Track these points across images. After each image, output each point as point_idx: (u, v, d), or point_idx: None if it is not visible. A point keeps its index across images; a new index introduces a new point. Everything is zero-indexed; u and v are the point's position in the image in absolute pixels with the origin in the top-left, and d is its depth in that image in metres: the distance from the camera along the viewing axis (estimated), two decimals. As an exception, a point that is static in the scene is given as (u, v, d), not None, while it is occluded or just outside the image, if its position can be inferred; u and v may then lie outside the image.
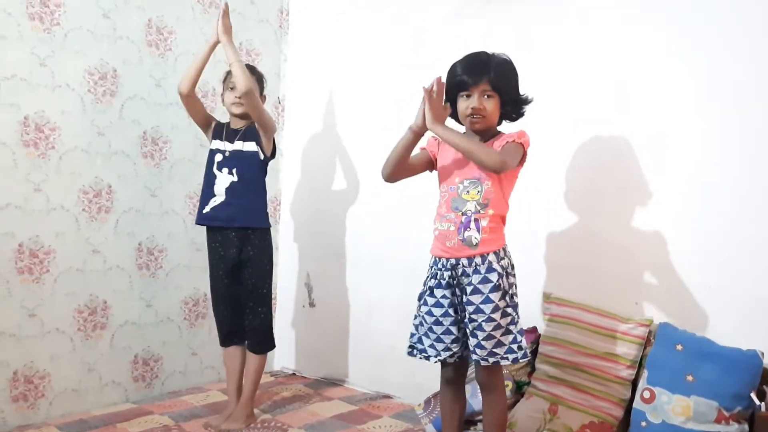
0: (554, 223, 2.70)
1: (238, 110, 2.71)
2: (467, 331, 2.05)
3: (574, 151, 2.64)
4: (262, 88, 2.78)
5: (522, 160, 2.06)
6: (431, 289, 2.11)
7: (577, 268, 2.65)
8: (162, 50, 3.10)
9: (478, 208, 2.02)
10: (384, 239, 3.26)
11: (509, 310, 2.02)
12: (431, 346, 2.12)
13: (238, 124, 2.76)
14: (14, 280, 2.65)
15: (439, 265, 2.10)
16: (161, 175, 3.12)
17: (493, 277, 2.00)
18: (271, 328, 2.81)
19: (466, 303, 2.03)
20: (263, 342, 2.78)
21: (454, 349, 2.10)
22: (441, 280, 2.08)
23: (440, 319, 2.09)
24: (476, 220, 2.02)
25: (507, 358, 2.01)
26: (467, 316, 2.03)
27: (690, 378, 2.19)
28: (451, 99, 2.07)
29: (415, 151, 2.15)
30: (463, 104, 2.04)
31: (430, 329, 2.12)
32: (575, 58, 2.65)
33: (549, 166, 2.67)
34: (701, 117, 2.37)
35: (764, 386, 2.14)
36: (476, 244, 2.02)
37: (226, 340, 2.79)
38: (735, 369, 2.15)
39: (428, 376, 2.86)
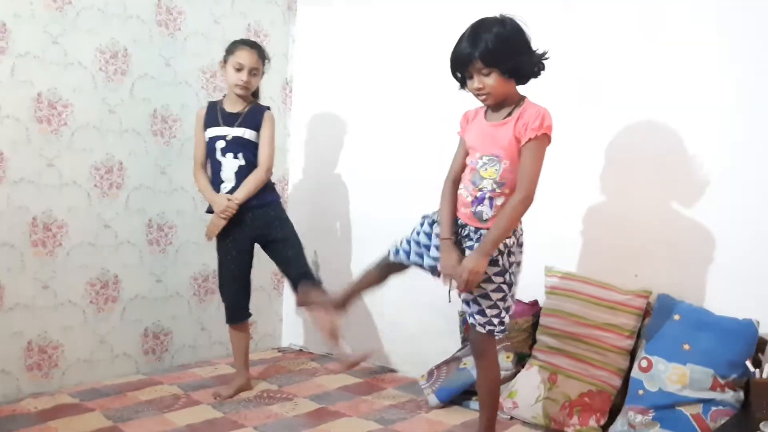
0: (555, 197, 2.72)
1: (241, 92, 2.73)
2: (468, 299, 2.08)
3: (575, 126, 2.67)
4: (264, 67, 2.79)
5: (547, 142, 2.01)
6: (435, 222, 2.15)
7: (578, 241, 2.68)
8: (171, 30, 3.15)
9: (494, 186, 2.01)
10: (390, 217, 3.29)
11: (504, 287, 2.04)
12: (403, 245, 2.20)
13: (236, 107, 2.76)
14: (28, 252, 2.73)
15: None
16: (171, 152, 3.18)
17: (519, 239, 2.06)
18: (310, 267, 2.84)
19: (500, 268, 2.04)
20: (313, 280, 2.76)
21: (420, 263, 2.16)
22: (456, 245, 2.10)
23: (428, 244, 2.14)
24: (491, 198, 2.02)
25: (483, 327, 2.05)
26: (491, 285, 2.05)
27: (687, 347, 2.23)
28: (461, 76, 2.04)
29: (457, 147, 2.18)
30: (469, 84, 2.02)
31: (417, 243, 2.18)
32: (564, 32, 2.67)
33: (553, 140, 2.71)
34: (704, 94, 2.39)
35: (759, 354, 2.17)
36: (486, 220, 2.03)
37: (234, 317, 2.84)
38: (731, 338, 2.18)
39: (435, 352, 2.92)
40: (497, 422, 2.23)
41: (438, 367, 2.76)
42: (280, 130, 3.40)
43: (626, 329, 2.40)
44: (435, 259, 2.11)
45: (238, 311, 2.84)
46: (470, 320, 2.10)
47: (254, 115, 2.76)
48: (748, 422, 1.95)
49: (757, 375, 2.09)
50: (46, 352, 2.79)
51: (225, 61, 2.75)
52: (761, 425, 1.80)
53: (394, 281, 3.18)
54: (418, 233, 2.18)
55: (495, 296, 2.04)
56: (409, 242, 2.20)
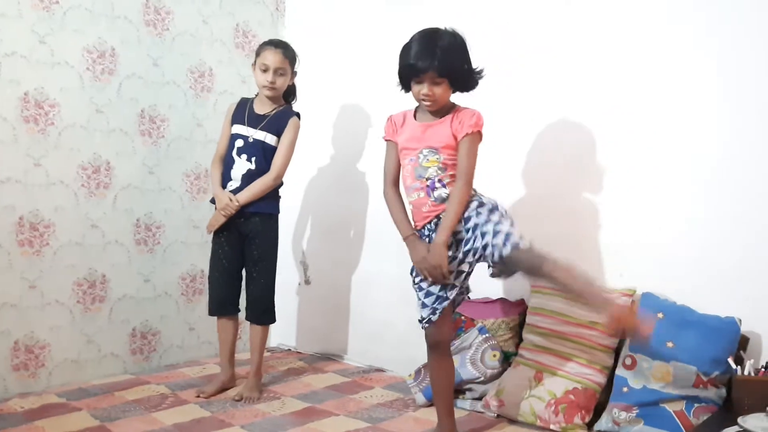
0: (540, 198, 2.75)
1: (268, 93, 2.74)
2: (480, 240, 2.08)
3: (559, 126, 2.69)
4: (293, 67, 2.80)
5: (480, 139, 2.17)
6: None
7: (564, 241, 2.68)
8: (159, 30, 3.15)
9: (439, 171, 2.15)
10: (378, 217, 3.30)
11: (505, 214, 2.13)
12: (428, 308, 2.22)
13: (264, 108, 2.78)
14: (15, 252, 2.72)
15: (425, 233, 2.19)
16: (159, 152, 3.18)
17: (473, 203, 2.13)
18: (272, 301, 2.86)
19: (467, 232, 2.11)
20: (262, 313, 2.83)
21: (446, 294, 2.19)
22: (420, 238, 2.19)
23: (421, 284, 2.22)
24: (440, 180, 2.15)
25: (523, 239, 2.06)
26: (470, 239, 2.10)
27: (670, 344, 2.25)
28: (406, 79, 2.17)
29: (387, 153, 2.30)
30: (416, 88, 2.15)
31: (419, 287, 2.24)
32: (558, 34, 2.70)
33: (535, 140, 2.73)
34: (686, 94, 2.42)
35: (741, 351, 2.19)
36: (447, 197, 2.14)
37: (218, 309, 2.85)
38: (713, 335, 2.21)
39: (423, 350, 2.93)
40: (483, 420, 2.24)
41: (425, 365, 2.77)
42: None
43: (611, 327, 2.42)
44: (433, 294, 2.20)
45: (222, 304, 2.84)
46: (496, 253, 2.05)
47: (279, 119, 2.76)
48: (731, 419, 1.97)
49: (739, 372, 2.12)
50: (33, 352, 2.79)
51: (255, 63, 2.76)
52: (738, 419, 1.82)
53: (385, 279, 3.22)
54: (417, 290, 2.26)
55: (506, 221, 2.10)
56: (422, 303, 2.25)
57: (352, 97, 3.41)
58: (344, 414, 2.57)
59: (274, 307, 2.88)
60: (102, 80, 2.96)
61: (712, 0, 2.36)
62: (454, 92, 2.19)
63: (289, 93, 2.89)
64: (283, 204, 3.78)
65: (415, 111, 2.25)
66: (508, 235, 2.05)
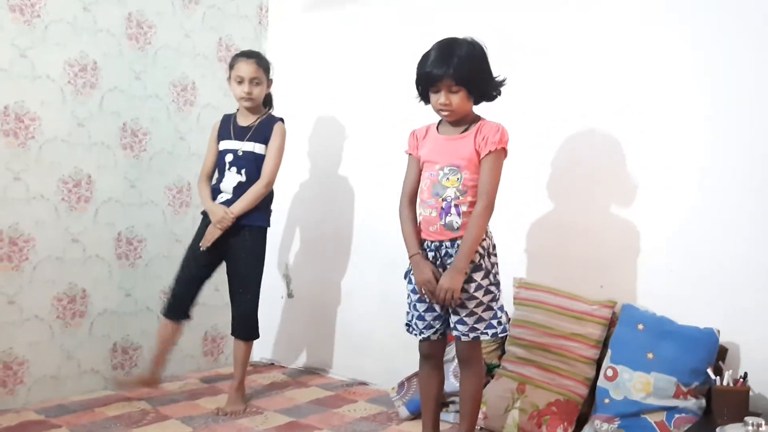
0: (523, 211, 2.77)
1: (247, 104, 2.76)
2: (449, 308, 2.13)
3: (542, 141, 2.72)
4: (268, 75, 2.83)
5: (505, 156, 2.14)
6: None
7: (546, 254, 2.73)
8: (142, 44, 3.15)
9: (458, 194, 2.09)
10: (362, 231, 3.33)
11: (492, 288, 2.12)
12: (414, 323, 2.22)
13: (247, 120, 2.80)
14: (-6, 267, 2.70)
15: (425, 246, 2.17)
16: (141, 166, 3.17)
17: (476, 257, 2.09)
18: (256, 317, 2.86)
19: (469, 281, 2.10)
20: (246, 329, 2.83)
21: (436, 326, 2.20)
22: (426, 258, 2.16)
23: (417, 304, 2.21)
24: (456, 206, 2.09)
25: (487, 333, 2.11)
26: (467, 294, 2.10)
27: (650, 356, 2.28)
28: (424, 89, 2.14)
29: (408, 167, 2.25)
30: (434, 98, 2.10)
31: (414, 306, 2.22)
32: (553, 47, 2.73)
33: (517, 155, 2.76)
34: (666, 107, 2.46)
35: (720, 362, 2.22)
36: (458, 228, 2.09)
37: (171, 310, 2.83)
38: (693, 346, 2.23)
39: (406, 364, 2.93)
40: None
41: (408, 379, 2.78)
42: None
43: (592, 339, 2.44)
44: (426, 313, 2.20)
45: (175, 308, 2.83)
46: (454, 333, 2.13)
47: (264, 127, 2.78)
48: (711, 429, 1.99)
49: (718, 382, 2.15)
50: (12, 369, 2.75)
51: (229, 76, 2.78)
52: (717, 429, 1.84)
53: (368, 293, 3.22)
54: (409, 298, 2.24)
55: (487, 299, 2.10)
56: (410, 314, 2.25)
57: (335, 110, 3.43)
58: (328, 428, 2.56)
59: (257, 322, 2.87)
60: (84, 94, 2.95)
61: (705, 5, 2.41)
62: (475, 103, 2.14)
63: (266, 102, 2.90)
64: (266, 217, 3.78)
65: (438, 124, 2.21)
66: (479, 321, 2.09)
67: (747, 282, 2.28)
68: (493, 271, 2.14)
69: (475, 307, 2.09)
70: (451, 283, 2.04)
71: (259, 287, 2.87)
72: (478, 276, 2.09)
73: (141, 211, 3.18)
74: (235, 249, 2.77)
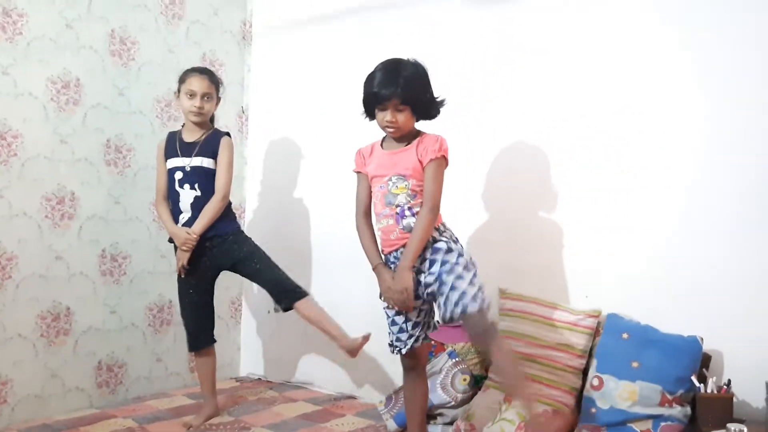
0: (507, 223, 2.79)
1: (195, 118, 2.74)
2: (435, 296, 2.15)
3: (524, 153, 2.75)
4: (218, 92, 2.81)
5: (445, 164, 2.20)
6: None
7: (531, 266, 2.74)
8: (125, 60, 3.15)
9: (408, 198, 2.17)
10: (347, 243, 3.29)
11: (470, 265, 2.15)
12: (398, 339, 2.25)
13: (193, 135, 2.76)
14: (-24, 285, 2.67)
15: (391, 259, 2.22)
16: (125, 182, 3.16)
17: (442, 245, 2.15)
18: (289, 279, 2.77)
19: (426, 276, 2.15)
20: (293, 292, 2.74)
21: (416, 333, 2.24)
22: (388, 267, 2.21)
23: (387, 312, 2.26)
24: (410, 208, 2.17)
25: (475, 303, 2.07)
26: (432, 284, 2.13)
27: (635, 364, 2.29)
28: (370, 107, 2.22)
29: (358, 184, 2.34)
30: (380, 115, 2.19)
31: (393, 322, 2.25)
32: (526, 59, 2.77)
33: (500, 167, 2.79)
34: (652, 120, 2.49)
35: (704, 369, 2.24)
36: None
37: (194, 343, 2.82)
38: (677, 354, 2.25)
39: (394, 377, 2.94)
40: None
41: (396, 392, 2.77)
42: (237, 158, 3.39)
43: (578, 349, 2.46)
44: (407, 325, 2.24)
45: (198, 338, 2.82)
46: (446, 315, 2.10)
47: (211, 142, 2.76)
48: (696, 436, 2.01)
49: (702, 390, 2.16)
50: (-5, 388, 2.73)
51: (178, 90, 2.76)
52: (701, 437, 1.86)
53: (355, 306, 3.22)
54: (387, 317, 2.28)
55: (467, 275, 2.11)
56: (391, 334, 2.28)
57: (321, 124, 3.44)
58: (315, 443, 2.56)
59: (292, 281, 2.77)
60: (67, 110, 2.94)
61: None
62: (417, 120, 2.23)
63: (211, 119, 2.86)
64: (251, 231, 3.78)
65: (382, 141, 2.30)
66: (462, 295, 2.08)
67: (729, 290, 2.31)
68: (465, 255, 2.17)
69: (455, 280, 2.09)
70: (400, 283, 2.10)
71: (272, 260, 2.79)
72: (451, 257, 2.12)
73: (125, 228, 3.16)
74: (223, 254, 2.74)
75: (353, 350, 2.65)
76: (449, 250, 2.14)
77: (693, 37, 2.40)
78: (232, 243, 2.77)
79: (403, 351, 2.25)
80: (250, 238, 2.85)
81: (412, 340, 2.24)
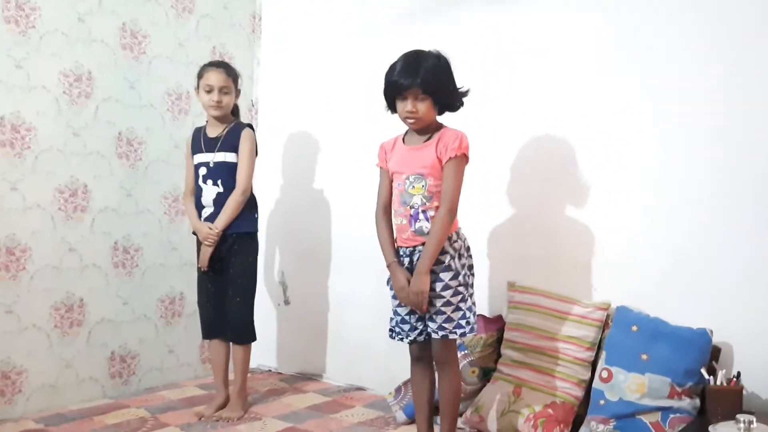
0: (516, 216, 2.80)
1: (215, 113, 2.76)
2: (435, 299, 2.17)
3: (533, 145, 2.75)
4: (237, 85, 2.82)
5: (465, 161, 2.19)
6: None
7: (540, 257, 2.75)
8: (136, 53, 3.17)
9: (424, 200, 2.16)
10: (357, 238, 3.33)
11: (461, 288, 2.16)
12: (399, 328, 2.27)
13: (215, 130, 2.79)
14: (-9, 277, 2.71)
15: (401, 253, 2.24)
16: (136, 175, 3.18)
17: (445, 258, 2.15)
18: (251, 321, 2.86)
19: (436, 281, 2.15)
20: (242, 333, 2.83)
21: (420, 327, 2.24)
22: (402, 266, 2.21)
23: (398, 309, 2.27)
24: (424, 212, 2.17)
25: (455, 333, 2.16)
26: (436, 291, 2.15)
27: (644, 357, 2.30)
28: (390, 98, 2.21)
29: (380, 179, 2.33)
30: (400, 106, 2.17)
31: (396, 311, 2.26)
32: (529, 55, 2.76)
33: (508, 159, 2.79)
34: (652, 112, 2.49)
35: (714, 362, 2.24)
36: (428, 232, 2.15)
37: (208, 332, 2.86)
38: (686, 347, 2.25)
39: (403, 369, 2.94)
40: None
41: (405, 383, 2.79)
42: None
43: (587, 341, 2.46)
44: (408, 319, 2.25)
45: (212, 327, 2.85)
46: (435, 332, 2.17)
47: (232, 136, 2.78)
48: (705, 428, 2.01)
49: (712, 382, 2.16)
50: (10, 378, 2.76)
51: (198, 86, 2.78)
52: (709, 428, 1.86)
53: (363, 299, 3.24)
54: (392, 304, 2.29)
55: (455, 299, 2.15)
56: (393, 320, 2.30)
57: (331, 116, 3.45)
58: (325, 433, 2.58)
59: (252, 326, 2.87)
60: (79, 104, 2.96)
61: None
62: (440, 113, 2.21)
63: (234, 112, 2.88)
64: (261, 225, 3.80)
65: (404, 135, 2.28)
66: (448, 320, 2.14)
67: (739, 282, 2.30)
68: (463, 273, 2.18)
69: (442, 306, 2.14)
70: (417, 285, 2.11)
71: (252, 291, 2.86)
72: (446, 276, 2.14)
73: (137, 220, 3.19)
74: (226, 257, 2.78)
75: (220, 408, 2.80)
76: (447, 268, 2.15)
77: (693, 36, 2.39)
78: (236, 252, 2.78)
79: (405, 341, 2.27)
80: (255, 254, 2.87)
81: (416, 333, 2.25)
